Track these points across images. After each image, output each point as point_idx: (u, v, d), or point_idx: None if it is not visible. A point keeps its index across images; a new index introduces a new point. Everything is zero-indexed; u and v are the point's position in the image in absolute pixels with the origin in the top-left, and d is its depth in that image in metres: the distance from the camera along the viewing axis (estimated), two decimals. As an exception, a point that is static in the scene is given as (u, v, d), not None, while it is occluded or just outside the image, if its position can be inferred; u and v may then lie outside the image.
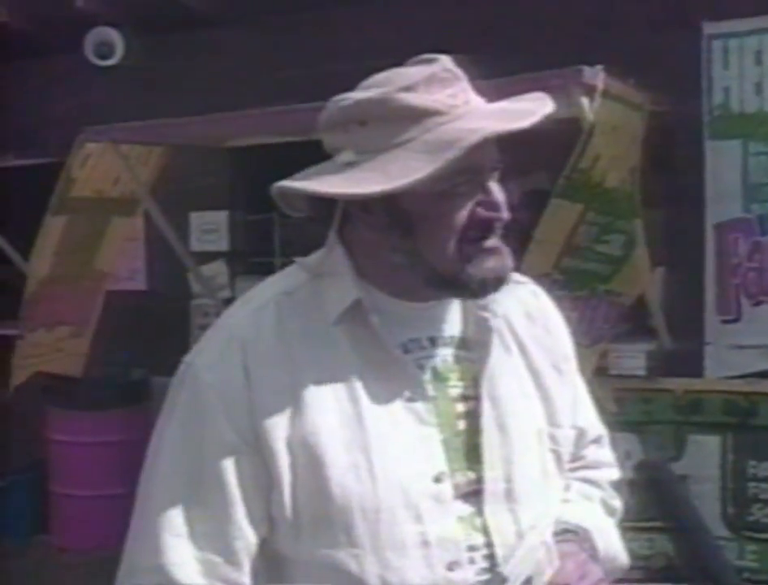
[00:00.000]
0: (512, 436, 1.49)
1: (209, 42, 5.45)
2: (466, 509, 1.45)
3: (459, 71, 1.46)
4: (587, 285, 3.94)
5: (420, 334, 1.50)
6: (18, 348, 4.97)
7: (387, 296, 1.48)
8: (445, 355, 1.50)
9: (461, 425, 1.48)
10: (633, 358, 4.17)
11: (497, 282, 1.45)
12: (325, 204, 1.46)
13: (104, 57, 5.56)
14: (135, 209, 5.21)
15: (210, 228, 5.70)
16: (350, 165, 1.42)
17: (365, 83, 1.46)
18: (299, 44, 5.11)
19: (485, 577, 1.44)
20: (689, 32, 4.17)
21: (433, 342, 1.50)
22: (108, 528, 3.20)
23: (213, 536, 1.39)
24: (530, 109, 1.43)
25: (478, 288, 1.45)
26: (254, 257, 5.72)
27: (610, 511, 1.72)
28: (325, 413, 1.41)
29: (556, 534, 1.55)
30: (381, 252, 1.46)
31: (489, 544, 1.44)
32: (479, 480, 1.46)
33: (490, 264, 1.44)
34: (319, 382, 1.42)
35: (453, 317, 1.53)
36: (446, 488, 1.44)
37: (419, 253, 1.43)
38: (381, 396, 1.43)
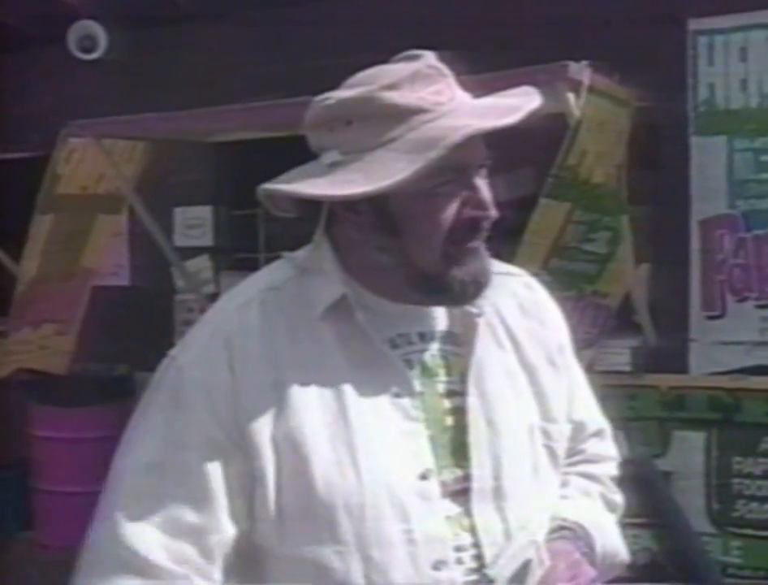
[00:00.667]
0: (501, 433, 1.47)
1: (194, 36, 5.41)
2: (454, 508, 1.43)
3: (444, 68, 1.44)
4: (574, 286, 3.94)
5: (410, 329, 1.48)
6: (0, 346, 4.94)
7: (373, 295, 1.47)
8: (434, 350, 1.49)
9: (449, 421, 1.47)
10: (618, 354, 4.17)
11: (476, 286, 1.44)
12: (311, 204, 1.45)
13: (87, 50, 5.52)
14: (121, 206, 5.17)
15: (195, 223, 5.65)
16: (335, 165, 1.41)
17: (349, 81, 1.45)
18: (283, 39, 5.08)
19: (473, 577, 1.42)
20: (675, 29, 4.17)
21: (423, 337, 1.49)
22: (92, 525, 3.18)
23: (188, 528, 1.37)
24: (516, 104, 1.42)
25: (459, 292, 1.43)
26: (239, 252, 5.68)
27: (610, 506, 1.70)
28: (310, 409, 1.40)
29: (552, 531, 1.54)
30: (367, 251, 1.45)
31: (477, 544, 1.43)
32: (467, 478, 1.44)
33: (471, 267, 1.43)
34: (304, 378, 1.41)
35: (441, 312, 1.52)
36: (433, 486, 1.42)
37: (406, 254, 1.42)
38: (367, 392, 1.42)
